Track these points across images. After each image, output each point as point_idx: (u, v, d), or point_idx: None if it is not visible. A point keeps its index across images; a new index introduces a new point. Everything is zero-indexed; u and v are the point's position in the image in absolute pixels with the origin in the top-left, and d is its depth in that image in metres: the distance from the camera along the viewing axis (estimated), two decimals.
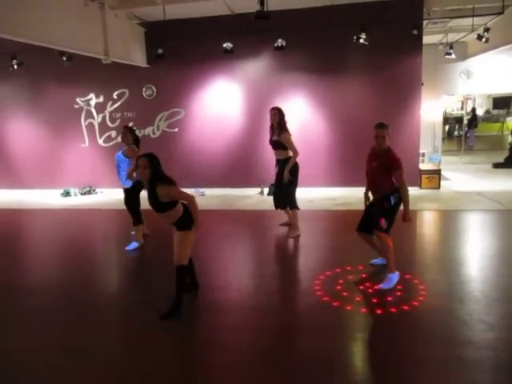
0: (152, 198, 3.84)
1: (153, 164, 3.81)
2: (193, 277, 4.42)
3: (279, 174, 6.07)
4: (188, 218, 3.96)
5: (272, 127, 6.14)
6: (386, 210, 4.45)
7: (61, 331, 3.90)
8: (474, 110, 17.25)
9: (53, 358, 3.49)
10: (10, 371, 3.31)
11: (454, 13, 8.81)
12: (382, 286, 4.41)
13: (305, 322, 4.00)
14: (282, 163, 6.05)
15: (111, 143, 10.48)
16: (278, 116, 5.98)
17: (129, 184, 5.92)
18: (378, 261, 5.01)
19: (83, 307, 4.41)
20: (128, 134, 6.02)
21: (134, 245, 6.05)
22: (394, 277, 4.46)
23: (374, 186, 4.67)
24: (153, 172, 3.80)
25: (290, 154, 5.99)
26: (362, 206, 4.92)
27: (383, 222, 4.44)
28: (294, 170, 6.03)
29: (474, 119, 16.58)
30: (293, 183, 6.07)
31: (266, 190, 9.42)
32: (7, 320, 4.17)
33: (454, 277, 4.73)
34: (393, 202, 4.43)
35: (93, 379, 3.19)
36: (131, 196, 6.01)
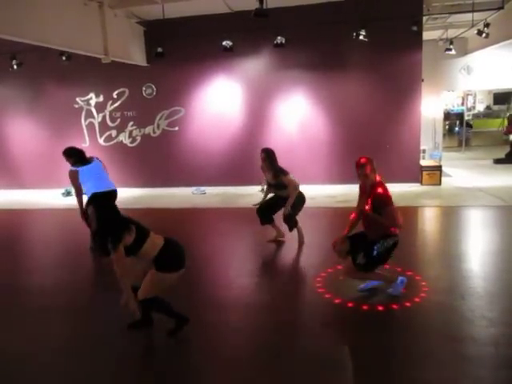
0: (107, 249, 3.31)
1: (98, 211, 3.34)
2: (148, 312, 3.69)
3: (275, 201, 5.85)
4: (165, 256, 3.40)
5: (262, 168, 5.90)
6: (369, 255, 4.01)
7: (62, 332, 3.91)
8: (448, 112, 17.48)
9: (53, 358, 3.50)
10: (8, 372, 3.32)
11: (453, 8, 8.78)
12: (389, 290, 4.22)
13: (306, 319, 4.01)
14: (284, 199, 5.72)
15: (111, 142, 10.49)
16: (268, 158, 5.73)
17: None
18: (367, 285, 4.38)
19: (85, 307, 4.43)
20: (67, 158, 5.71)
21: None
22: (398, 285, 4.18)
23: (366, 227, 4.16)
24: (98, 224, 3.36)
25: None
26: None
27: (361, 258, 4.01)
28: (299, 204, 5.76)
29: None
30: (292, 215, 5.80)
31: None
32: (7, 320, 4.17)
33: (455, 273, 4.73)
34: (375, 252, 3.97)
35: (93, 379, 3.20)
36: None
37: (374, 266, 4.08)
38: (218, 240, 6.52)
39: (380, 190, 3.92)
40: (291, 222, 5.88)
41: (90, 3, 7.34)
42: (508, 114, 16.47)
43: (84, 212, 5.75)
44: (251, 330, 3.78)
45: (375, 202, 3.94)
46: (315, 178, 9.32)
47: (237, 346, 3.54)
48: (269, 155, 5.78)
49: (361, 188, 4.22)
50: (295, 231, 5.94)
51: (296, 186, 5.69)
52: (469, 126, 16.29)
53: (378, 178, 4.02)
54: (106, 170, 6.00)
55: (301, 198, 5.80)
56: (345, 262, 4.29)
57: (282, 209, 5.78)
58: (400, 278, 4.21)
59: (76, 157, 5.76)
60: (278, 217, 5.97)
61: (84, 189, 5.79)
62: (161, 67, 9.68)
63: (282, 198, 5.78)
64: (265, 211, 5.97)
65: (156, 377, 3.19)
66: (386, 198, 3.92)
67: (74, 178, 5.73)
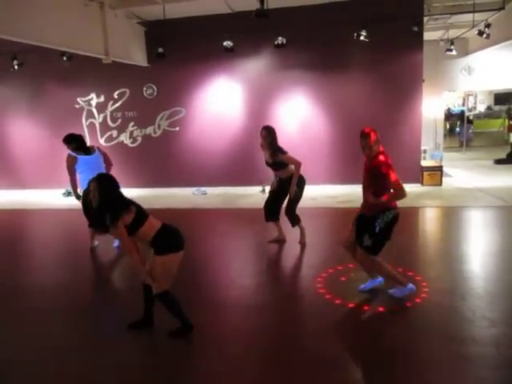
0: (104, 225, 3.49)
1: (102, 189, 3.44)
2: (150, 309, 3.77)
3: (281, 188, 5.76)
4: (164, 237, 3.53)
5: (262, 146, 5.81)
6: (373, 233, 3.96)
7: (62, 332, 3.92)
8: (449, 109, 17.50)
9: (53, 358, 3.51)
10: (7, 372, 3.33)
11: (454, 9, 8.77)
12: (392, 291, 4.17)
13: (307, 320, 4.01)
14: (285, 181, 5.67)
15: (112, 143, 10.48)
16: (269, 136, 5.65)
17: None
18: (367, 285, 4.35)
19: (85, 307, 4.43)
20: (66, 146, 5.82)
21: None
22: (404, 290, 4.10)
23: (365, 200, 4.11)
24: (101, 198, 3.43)
25: (292, 168, 5.63)
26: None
27: (367, 239, 3.98)
28: (301, 184, 5.72)
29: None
30: (297, 198, 5.77)
31: (268, 189, 9.42)
32: (8, 320, 4.18)
33: (456, 273, 4.73)
34: (377, 228, 3.92)
35: (93, 380, 3.20)
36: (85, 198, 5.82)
37: (381, 244, 3.97)
38: (219, 240, 6.53)
39: (381, 157, 3.85)
40: (293, 216, 5.82)
41: (90, 4, 7.33)
42: (507, 108, 16.48)
43: (78, 194, 5.83)
44: (252, 330, 3.78)
45: (375, 171, 3.83)
46: (316, 179, 9.29)
47: (237, 347, 3.54)
48: (270, 133, 5.67)
49: (365, 166, 4.05)
50: (297, 230, 5.93)
51: (297, 162, 5.56)
52: (470, 122, 16.25)
53: (381, 149, 3.93)
54: (108, 159, 5.99)
55: (302, 179, 5.72)
56: (355, 255, 4.19)
57: (286, 204, 5.75)
58: (410, 285, 4.11)
59: (76, 143, 5.81)
60: (282, 217, 5.97)
61: (78, 178, 5.84)
62: (162, 67, 9.68)
63: (286, 182, 5.66)
64: (272, 204, 5.89)
65: (157, 377, 3.19)
66: (387, 166, 3.80)
67: (71, 164, 5.78)
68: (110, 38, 7.84)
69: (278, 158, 5.61)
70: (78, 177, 5.84)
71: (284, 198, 5.84)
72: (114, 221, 3.35)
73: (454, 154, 13.88)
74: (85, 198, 5.74)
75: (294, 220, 5.87)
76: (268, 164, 5.81)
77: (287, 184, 5.66)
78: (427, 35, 9.66)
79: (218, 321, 3.93)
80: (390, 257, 4.41)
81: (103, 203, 3.44)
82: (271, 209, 5.91)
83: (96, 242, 6.23)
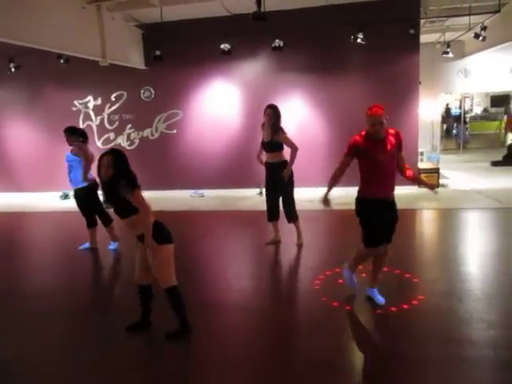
0: (116, 198, 3.51)
1: (117, 162, 3.55)
2: (147, 310, 3.80)
3: (271, 176, 5.72)
4: (159, 229, 3.54)
5: (263, 126, 5.72)
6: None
7: (60, 334, 3.90)
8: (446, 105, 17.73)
9: (52, 360, 3.49)
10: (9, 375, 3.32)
11: (450, 11, 8.82)
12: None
13: (304, 322, 4.00)
14: (275, 167, 5.62)
15: (110, 145, 10.46)
16: (274, 116, 5.54)
17: (83, 183, 5.81)
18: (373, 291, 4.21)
19: (83, 309, 4.42)
20: (68, 136, 5.84)
21: (86, 245, 6.26)
22: (352, 277, 4.28)
23: (390, 183, 4.05)
24: (116, 170, 3.51)
25: (285, 157, 5.64)
26: None
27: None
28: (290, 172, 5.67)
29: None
30: (291, 185, 5.73)
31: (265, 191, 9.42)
32: (7, 325, 4.16)
33: (453, 275, 4.73)
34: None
35: (92, 381, 3.19)
36: (86, 196, 5.89)
37: None
38: (217, 243, 6.52)
39: (394, 130, 4.26)
40: (291, 211, 5.79)
41: (87, 6, 7.33)
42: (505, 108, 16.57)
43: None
44: (249, 332, 3.78)
45: (400, 145, 4.24)
46: (313, 181, 9.30)
47: (234, 349, 3.53)
48: (275, 113, 5.56)
49: (376, 146, 4.05)
50: (295, 232, 5.92)
51: (295, 146, 5.54)
52: (465, 122, 16.35)
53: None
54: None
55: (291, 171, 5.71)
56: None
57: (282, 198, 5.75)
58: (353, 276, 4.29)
59: (80, 135, 5.89)
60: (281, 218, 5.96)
61: (71, 175, 5.85)
62: (159, 70, 9.69)
63: (276, 167, 5.61)
64: (271, 202, 5.85)
65: (154, 379, 3.18)
66: None
67: (86, 149, 5.82)
68: (108, 41, 7.84)
69: (277, 137, 5.56)
70: (73, 172, 5.83)
71: (279, 190, 5.73)
72: (134, 186, 3.45)
73: (451, 156, 13.92)
74: (90, 193, 5.81)
75: (292, 215, 5.82)
76: (263, 144, 5.75)
77: (277, 169, 5.59)
78: (424, 38, 9.70)
79: (216, 323, 3.93)
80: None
81: (119, 174, 3.50)
82: (273, 208, 5.86)
83: (89, 245, 6.25)
